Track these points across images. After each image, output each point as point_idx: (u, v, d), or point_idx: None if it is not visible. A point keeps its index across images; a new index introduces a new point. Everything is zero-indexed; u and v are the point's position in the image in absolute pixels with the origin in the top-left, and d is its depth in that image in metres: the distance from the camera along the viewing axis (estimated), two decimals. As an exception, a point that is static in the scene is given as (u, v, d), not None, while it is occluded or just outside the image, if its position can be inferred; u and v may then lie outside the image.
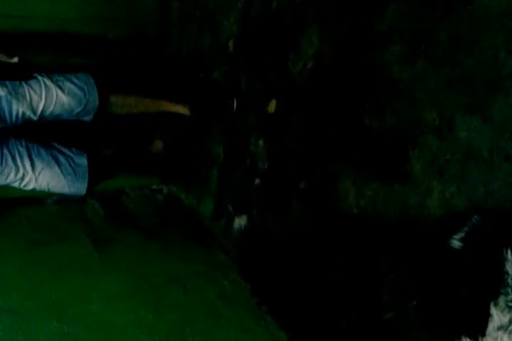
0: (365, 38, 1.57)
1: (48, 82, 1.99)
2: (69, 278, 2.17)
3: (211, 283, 2.21)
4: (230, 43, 2.24)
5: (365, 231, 1.63)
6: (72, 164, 2.11)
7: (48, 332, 1.92)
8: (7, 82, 1.94)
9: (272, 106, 2.01)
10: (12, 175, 1.99)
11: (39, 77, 1.99)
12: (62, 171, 2.08)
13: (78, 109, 2.08)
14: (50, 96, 1.98)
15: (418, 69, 1.40)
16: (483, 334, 1.13)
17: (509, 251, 1.12)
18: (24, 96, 1.94)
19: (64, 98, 2.01)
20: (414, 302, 1.31)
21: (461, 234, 1.24)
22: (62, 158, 2.09)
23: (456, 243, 1.24)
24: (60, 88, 2.01)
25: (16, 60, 2.06)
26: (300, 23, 1.82)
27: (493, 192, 1.27)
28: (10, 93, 1.92)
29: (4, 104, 1.92)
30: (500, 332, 1.11)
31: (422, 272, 1.34)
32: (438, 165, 1.38)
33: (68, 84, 2.04)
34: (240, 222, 2.28)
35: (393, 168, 1.51)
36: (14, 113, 1.95)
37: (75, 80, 2.07)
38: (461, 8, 1.27)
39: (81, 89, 2.06)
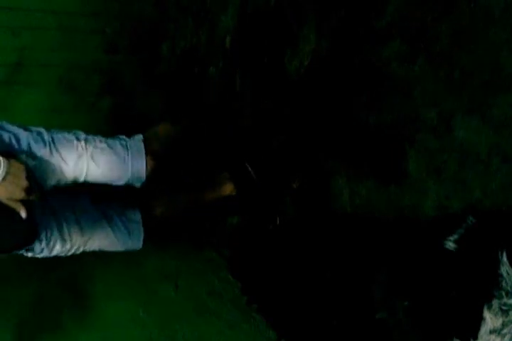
0: (363, 35, 1.55)
1: (82, 151, 1.60)
2: (54, 273, 2.16)
3: (202, 280, 2.21)
4: (227, 39, 2.23)
5: (358, 230, 1.62)
6: (125, 220, 1.79)
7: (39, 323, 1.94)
8: (37, 152, 1.55)
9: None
10: (58, 246, 1.68)
11: (75, 142, 1.60)
12: (114, 231, 1.77)
13: (119, 182, 1.72)
14: (80, 170, 1.62)
15: (417, 67, 1.39)
16: (475, 337, 1.12)
17: (504, 254, 1.11)
18: (54, 170, 1.60)
19: (98, 173, 1.65)
20: (406, 303, 1.30)
21: (455, 236, 1.23)
22: (113, 215, 1.79)
23: (450, 244, 1.23)
24: (94, 160, 1.62)
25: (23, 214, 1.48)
26: (297, 19, 1.81)
27: (489, 193, 1.26)
28: (39, 166, 1.55)
29: (37, 174, 1.56)
30: (492, 336, 1.11)
31: (415, 273, 1.33)
32: (435, 165, 1.37)
33: (106, 156, 1.64)
34: (231, 219, 2.27)
35: (389, 167, 1.50)
36: (48, 185, 1.62)
37: (118, 147, 1.66)
38: (462, 5, 1.26)
39: (122, 160, 1.66)
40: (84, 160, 1.60)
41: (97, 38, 2.67)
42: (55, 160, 1.57)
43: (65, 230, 1.68)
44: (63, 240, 1.67)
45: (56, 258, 1.71)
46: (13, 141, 1.52)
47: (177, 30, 2.63)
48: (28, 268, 2.17)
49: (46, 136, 1.57)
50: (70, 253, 1.75)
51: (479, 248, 1.19)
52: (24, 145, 1.53)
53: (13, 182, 1.38)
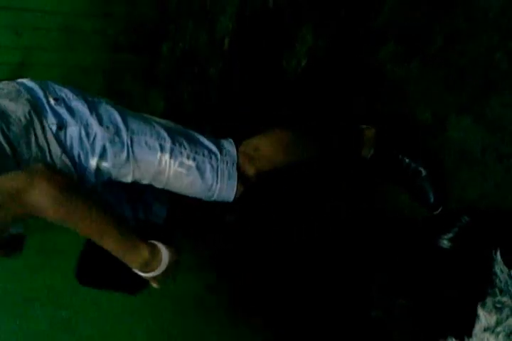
0: (360, 35, 1.56)
1: (164, 167, 1.29)
2: (60, 265, 2.17)
3: (200, 276, 2.20)
4: (226, 40, 2.24)
5: (355, 229, 1.63)
6: (150, 217, 1.59)
7: (42, 316, 1.99)
8: (112, 155, 1.27)
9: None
10: None
11: (158, 154, 1.28)
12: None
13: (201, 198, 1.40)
14: (154, 183, 1.34)
15: (412, 68, 1.40)
16: (470, 335, 1.12)
17: (498, 252, 1.11)
18: (126, 176, 1.32)
19: (174, 189, 1.36)
20: (401, 301, 1.30)
21: (450, 234, 1.24)
22: (140, 212, 1.55)
23: (445, 243, 1.23)
24: (177, 179, 1.31)
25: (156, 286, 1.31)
26: (295, 20, 1.81)
27: (484, 192, 1.26)
28: (110, 169, 1.28)
29: (106, 175, 1.31)
30: (486, 334, 1.10)
31: (410, 271, 1.33)
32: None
33: (191, 178, 1.31)
34: (229, 216, 2.27)
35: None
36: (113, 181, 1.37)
37: (207, 171, 1.31)
38: (458, 6, 1.27)
39: (208, 188, 1.33)
40: (163, 177, 1.31)
41: (99, 39, 2.67)
42: (130, 167, 1.29)
43: None
44: None
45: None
46: (85, 139, 1.24)
47: (177, 31, 2.64)
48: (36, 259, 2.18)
49: (125, 137, 1.27)
50: None
51: (473, 246, 1.19)
52: (98, 146, 1.25)
53: (166, 274, 1.21)
